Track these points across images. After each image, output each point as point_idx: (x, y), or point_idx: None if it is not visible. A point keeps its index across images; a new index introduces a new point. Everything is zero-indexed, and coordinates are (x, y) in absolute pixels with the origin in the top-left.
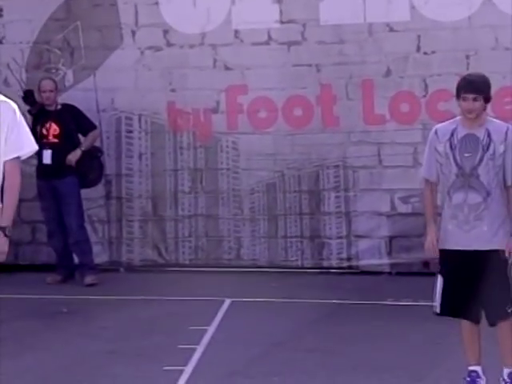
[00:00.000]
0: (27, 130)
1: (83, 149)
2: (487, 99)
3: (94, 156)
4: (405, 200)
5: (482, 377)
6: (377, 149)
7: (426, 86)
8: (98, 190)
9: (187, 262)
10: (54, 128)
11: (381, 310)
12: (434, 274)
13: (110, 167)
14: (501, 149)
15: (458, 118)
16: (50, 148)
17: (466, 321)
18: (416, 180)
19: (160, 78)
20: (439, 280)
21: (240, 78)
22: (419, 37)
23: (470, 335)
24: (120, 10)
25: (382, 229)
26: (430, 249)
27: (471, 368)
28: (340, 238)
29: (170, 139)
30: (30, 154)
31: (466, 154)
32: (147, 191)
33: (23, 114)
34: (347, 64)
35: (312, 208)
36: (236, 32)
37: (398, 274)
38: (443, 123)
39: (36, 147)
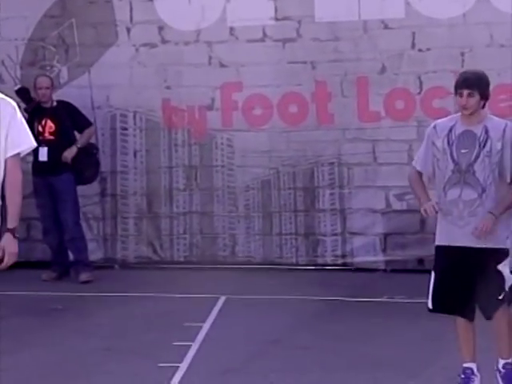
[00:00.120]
0: (26, 126)
1: (79, 146)
2: (484, 96)
3: (89, 153)
4: (400, 197)
5: (477, 374)
6: (372, 146)
7: (421, 83)
8: (93, 187)
9: (182, 259)
10: (50, 125)
11: (376, 307)
12: (428, 271)
13: (104, 164)
14: (498, 146)
15: (458, 114)
16: (45, 145)
17: (460, 318)
18: None
19: (155, 75)
20: (433, 277)
21: (235, 75)
22: (414, 34)
23: (464, 332)
24: (115, 6)
25: (376, 226)
26: (429, 207)
27: (466, 365)
28: (335, 235)
29: (164, 136)
30: (29, 150)
31: (463, 150)
32: (142, 188)
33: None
34: (342, 61)
35: (307, 205)
36: (231, 29)
37: (393, 271)
38: (443, 119)
39: (35, 144)
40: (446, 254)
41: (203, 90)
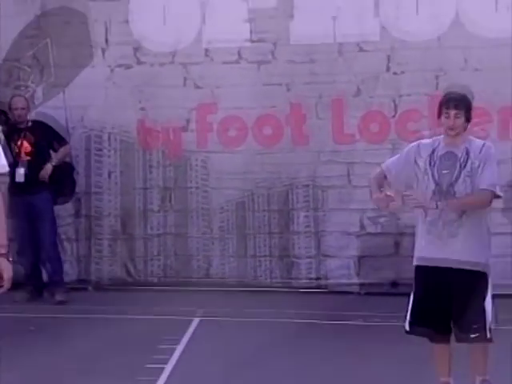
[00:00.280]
0: (1, 148)
1: (54, 163)
2: (468, 118)
3: (65, 172)
4: (374, 220)
5: None
6: (346, 168)
7: (396, 106)
8: (67, 207)
9: (156, 281)
10: (26, 145)
11: (349, 329)
12: (403, 294)
13: (79, 185)
14: (476, 163)
15: (440, 136)
16: (22, 165)
17: (436, 342)
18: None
19: (130, 96)
20: (411, 298)
21: (210, 96)
22: (389, 57)
23: (440, 354)
24: (90, 27)
25: (351, 248)
26: (380, 198)
27: (443, 379)
28: (309, 257)
29: (139, 157)
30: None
31: (444, 171)
32: (116, 209)
33: None
34: (317, 83)
35: (281, 227)
36: (206, 50)
37: (367, 293)
38: (426, 140)
39: (7, 168)
40: (424, 274)
41: (178, 111)
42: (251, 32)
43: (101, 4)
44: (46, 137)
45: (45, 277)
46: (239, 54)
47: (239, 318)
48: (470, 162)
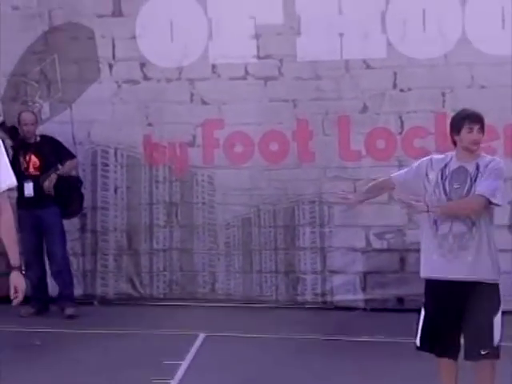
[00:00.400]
0: (8, 162)
1: (58, 173)
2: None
3: (74, 186)
4: (380, 236)
5: None
6: (352, 185)
7: (402, 123)
8: (73, 222)
9: (161, 296)
10: (34, 160)
11: (355, 345)
12: (408, 311)
13: (85, 200)
14: (483, 176)
15: (452, 152)
16: (31, 180)
17: (445, 357)
18: (391, 216)
19: (137, 112)
20: (422, 314)
21: (217, 112)
22: (395, 74)
23: (447, 372)
24: (97, 43)
25: (356, 264)
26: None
27: None
28: (315, 273)
29: (145, 173)
30: (12, 187)
31: (456, 185)
32: (122, 224)
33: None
34: (324, 100)
35: (287, 243)
36: (213, 66)
37: (373, 310)
38: (438, 155)
39: (15, 181)
40: (436, 288)
41: (185, 127)
42: (258, 48)
43: (108, 20)
44: (55, 152)
45: (53, 291)
46: (246, 70)
47: (244, 334)
48: (479, 175)
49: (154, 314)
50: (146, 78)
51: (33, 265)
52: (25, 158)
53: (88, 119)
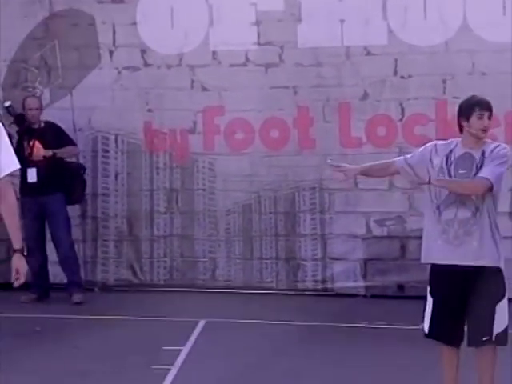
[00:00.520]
0: (11, 147)
1: (56, 152)
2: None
3: (76, 173)
4: (380, 223)
5: None
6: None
7: (403, 110)
8: (74, 209)
9: (162, 283)
10: (38, 146)
11: (355, 332)
12: (408, 298)
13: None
14: (488, 162)
15: (457, 138)
16: (34, 166)
17: (447, 345)
18: (392, 203)
19: (137, 98)
20: (429, 301)
21: (217, 99)
22: (396, 61)
23: (449, 360)
24: (98, 29)
25: (357, 251)
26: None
27: None
28: (315, 260)
29: (146, 159)
30: (15, 171)
31: (461, 171)
32: (123, 211)
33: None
34: (324, 86)
35: (287, 230)
36: (214, 53)
37: (373, 296)
38: (443, 141)
39: (19, 165)
40: (441, 274)
41: (185, 114)
42: (259, 35)
43: (108, 6)
44: (58, 138)
45: (54, 277)
46: (246, 57)
47: (244, 321)
48: (485, 161)
49: (155, 300)
50: (146, 64)
51: (34, 251)
52: (29, 143)
53: (88, 106)
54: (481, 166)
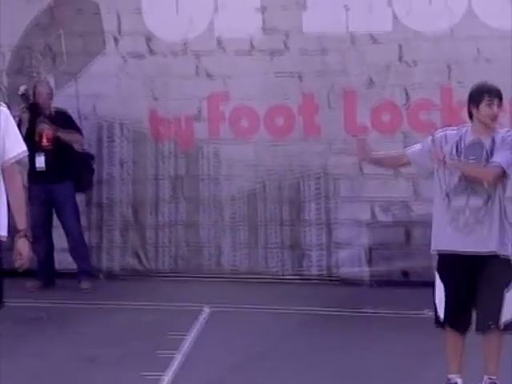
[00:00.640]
0: (18, 131)
1: (58, 132)
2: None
3: (85, 161)
4: (385, 209)
5: None
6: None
7: (408, 96)
8: (79, 196)
9: (167, 270)
10: (48, 133)
11: (360, 319)
12: (413, 284)
13: None
14: (498, 149)
15: (467, 125)
16: (43, 152)
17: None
18: (397, 189)
19: (142, 86)
20: (439, 288)
21: (222, 86)
22: (401, 47)
23: (454, 344)
24: (103, 17)
25: (362, 238)
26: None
27: (450, 376)
28: (320, 247)
29: (151, 147)
30: (23, 155)
31: (471, 159)
32: (128, 198)
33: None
34: (329, 73)
35: (292, 217)
36: (218, 40)
37: (378, 283)
38: (453, 128)
39: (26, 149)
40: (450, 261)
41: (190, 101)
42: (264, 22)
43: None
44: (66, 126)
45: (60, 265)
46: (251, 44)
47: (249, 308)
48: (496, 149)
49: (160, 287)
50: (151, 52)
51: (41, 239)
52: (39, 130)
53: (93, 93)
54: (491, 154)
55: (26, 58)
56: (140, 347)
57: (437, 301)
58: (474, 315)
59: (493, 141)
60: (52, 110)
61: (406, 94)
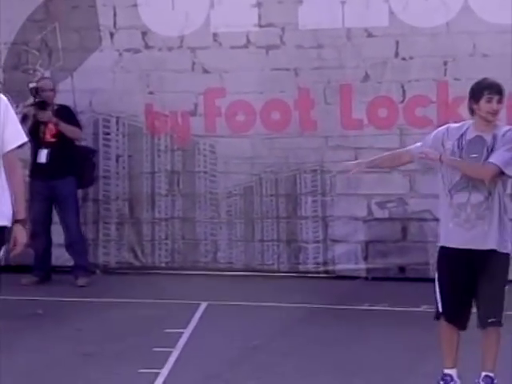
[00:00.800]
0: (18, 121)
1: (58, 123)
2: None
3: (86, 157)
4: (381, 205)
5: (456, 380)
6: (354, 153)
7: (404, 92)
8: None
9: (163, 265)
10: (51, 128)
11: (356, 314)
12: (409, 280)
13: None
14: (499, 147)
15: (469, 121)
16: (46, 147)
17: (447, 323)
18: (393, 185)
19: (138, 81)
20: (439, 281)
21: (218, 81)
22: (397, 42)
23: (450, 337)
24: (99, 11)
25: (358, 233)
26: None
27: (446, 371)
28: (317, 242)
29: (147, 142)
30: (23, 143)
31: (472, 155)
32: (124, 193)
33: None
34: (325, 68)
35: (289, 212)
36: (215, 35)
37: (374, 278)
38: (455, 124)
39: (26, 138)
40: (450, 256)
41: (186, 96)
42: (260, 17)
43: None
44: (70, 122)
45: (56, 260)
46: (247, 38)
47: (246, 303)
48: (496, 146)
49: (156, 282)
50: (147, 46)
51: (40, 235)
52: (42, 125)
53: (89, 88)
54: (492, 150)
55: (22, 54)
56: (137, 343)
57: (437, 294)
58: (473, 312)
59: (494, 138)
60: (55, 105)
61: (403, 89)
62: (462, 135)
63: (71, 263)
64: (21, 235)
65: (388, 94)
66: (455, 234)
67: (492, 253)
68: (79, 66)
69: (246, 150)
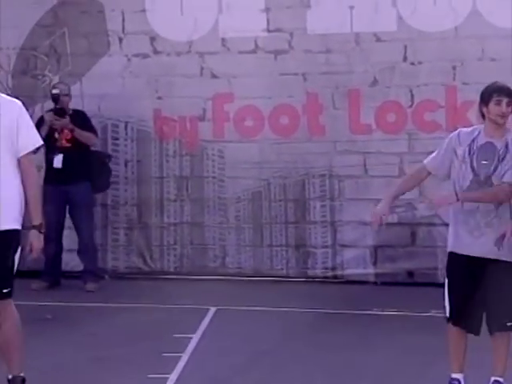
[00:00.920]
0: (33, 124)
1: (74, 128)
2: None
3: (102, 161)
4: (390, 210)
5: None
6: (363, 158)
7: (412, 96)
8: None
9: (172, 270)
10: (66, 132)
11: (365, 319)
12: (418, 285)
13: None
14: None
15: (481, 126)
16: (61, 152)
17: (455, 328)
18: None
19: (147, 86)
20: (448, 286)
21: (227, 86)
22: (406, 47)
23: (457, 342)
24: (107, 17)
25: (367, 238)
26: (375, 216)
27: (454, 376)
28: (325, 247)
29: (156, 147)
30: (38, 147)
31: (483, 162)
32: (133, 198)
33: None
34: (334, 73)
35: (297, 217)
36: (223, 40)
37: (383, 283)
38: (467, 128)
39: (41, 141)
40: (460, 262)
41: (195, 101)
42: (268, 22)
43: None
44: (85, 127)
45: (66, 265)
46: (256, 43)
47: (255, 308)
48: (508, 156)
49: (165, 287)
50: (155, 51)
51: (51, 240)
52: (58, 130)
53: (98, 93)
54: (503, 158)
55: (30, 60)
56: (146, 348)
57: (445, 299)
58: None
59: (506, 144)
60: (70, 110)
61: (411, 93)
62: (473, 140)
63: (80, 268)
64: (37, 240)
65: (396, 98)
66: (464, 241)
67: (500, 261)
68: (88, 71)
69: (255, 154)
